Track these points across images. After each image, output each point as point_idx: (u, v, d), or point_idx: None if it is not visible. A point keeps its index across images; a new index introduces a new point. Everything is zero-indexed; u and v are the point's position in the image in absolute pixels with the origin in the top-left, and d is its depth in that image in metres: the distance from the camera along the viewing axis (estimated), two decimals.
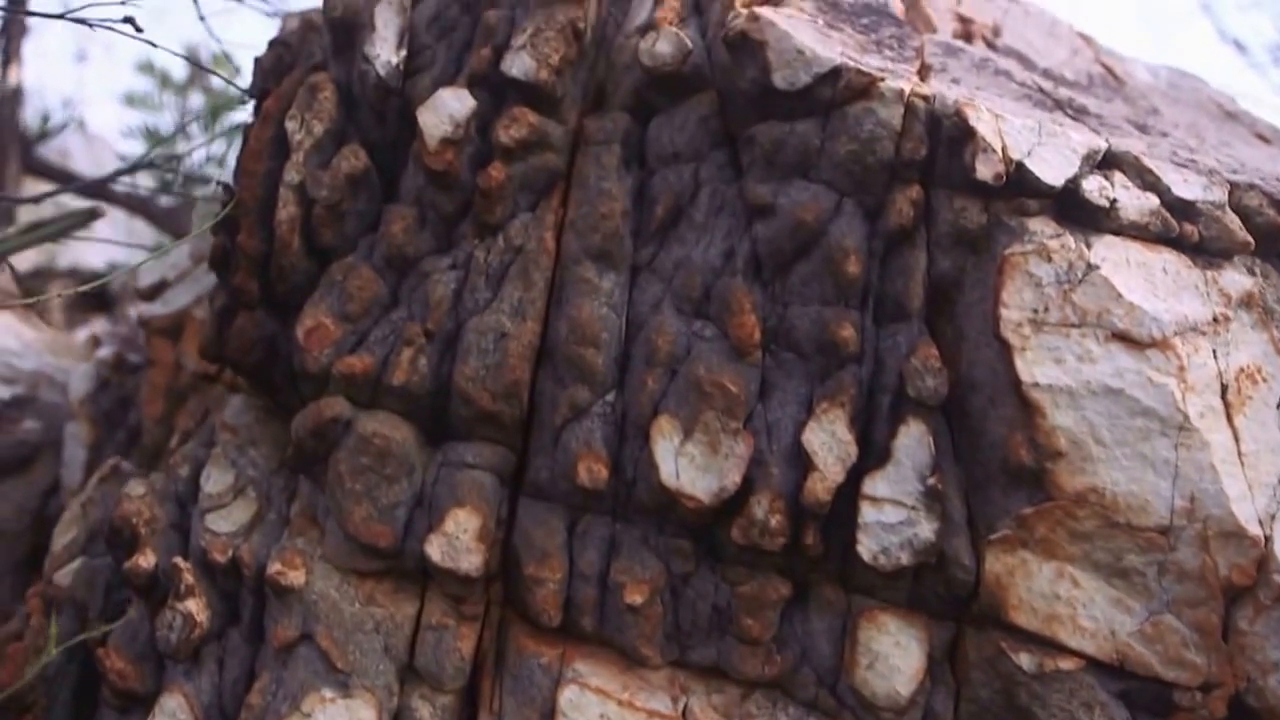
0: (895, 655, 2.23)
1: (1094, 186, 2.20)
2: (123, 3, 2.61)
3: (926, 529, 2.16)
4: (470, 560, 2.33)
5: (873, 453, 2.23)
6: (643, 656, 2.31)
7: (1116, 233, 2.19)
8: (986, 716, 2.21)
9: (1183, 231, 2.21)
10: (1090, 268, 2.11)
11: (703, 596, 2.33)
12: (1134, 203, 2.20)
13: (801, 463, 2.22)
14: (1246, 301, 2.18)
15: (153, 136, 6.69)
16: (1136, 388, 2.06)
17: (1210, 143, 2.87)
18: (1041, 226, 2.18)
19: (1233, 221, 2.24)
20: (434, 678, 2.37)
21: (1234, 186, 2.31)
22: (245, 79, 3.35)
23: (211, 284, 3.25)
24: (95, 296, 7.54)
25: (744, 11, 2.42)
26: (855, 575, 2.26)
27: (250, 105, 3.00)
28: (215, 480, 2.70)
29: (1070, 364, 2.09)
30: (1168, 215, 2.21)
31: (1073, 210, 2.22)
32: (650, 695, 2.31)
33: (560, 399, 2.40)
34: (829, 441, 2.20)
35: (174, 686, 2.44)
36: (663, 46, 2.49)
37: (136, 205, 6.51)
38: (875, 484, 2.19)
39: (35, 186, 7.58)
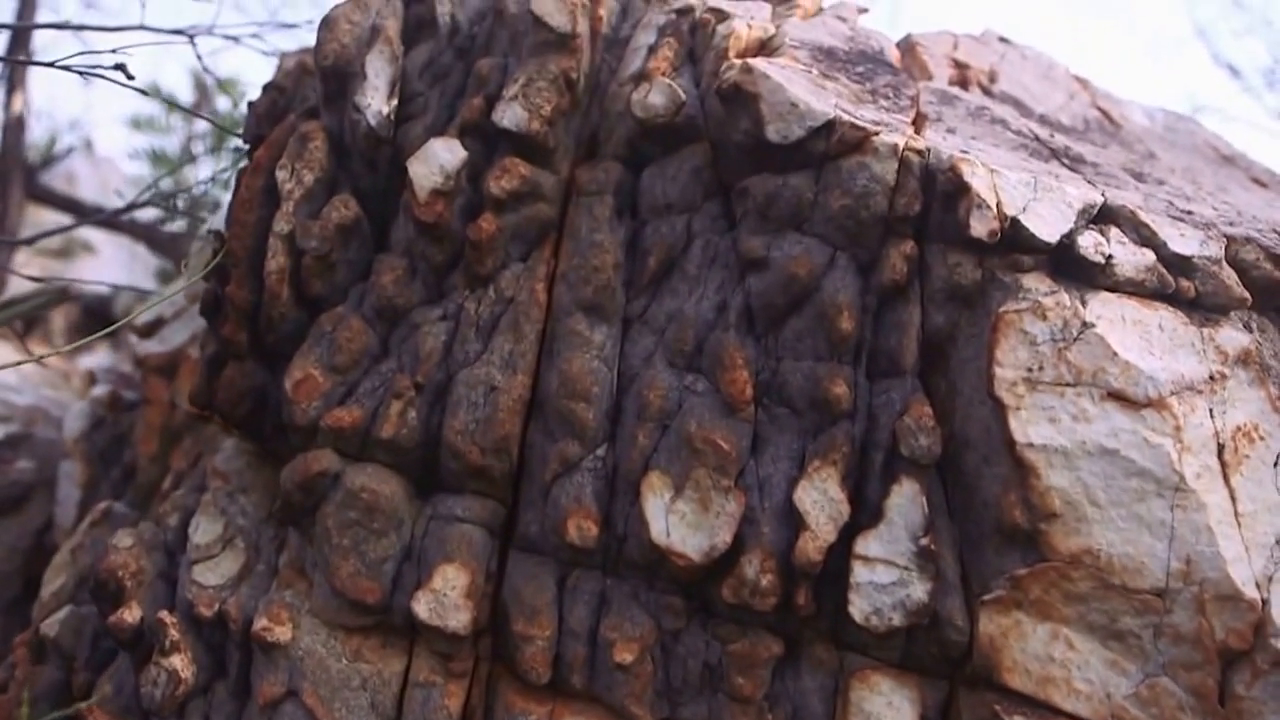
0: (887, 715, 2.19)
1: (1089, 243, 2.18)
2: (114, 51, 2.60)
3: (919, 590, 2.13)
4: (458, 618, 2.30)
5: (866, 510, 2.20)
6: (633, 715, 2.28)
7: (1112, 289, 2.17)
8: None
9: (1179, 287, 2.19)
10: (1085, 326, 2.09)
11: (694, 654, 2.30)
12: (1130, 259, 2.18)
13: (793, 520, 2.19)
14: (1243, 359, 2.15)
15: (159, 159, 6.69)
16: (1132, 448, 2.03)
17: (1207, 188, 2.85)
18: (1036, 283, 2.16)
19: (1229, 277, 2.22)
20: None
21: (1230, 240, 2.29)
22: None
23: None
24: (99, 317, 7.54)
25: (737, 63, 2.41)
26: (847, 634, 2.23)
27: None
28: (204, 530, 2.67)
29: (1065, 424, 2.06)
30: (1164, 271, 2.19)
31: (1068, 266, 2.19)
32: None
33: (551, 453, 2.38)
34: (821, 500, 2.17)
35: None
36: (655, 98, 2.48)
37: (140, 232, 6.50)
38: (868, 543, 2.16)
39: (39, 213, 7.59)
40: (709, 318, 2.38)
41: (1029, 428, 2.07)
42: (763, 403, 2.31)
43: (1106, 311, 2.12)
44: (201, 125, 6.89)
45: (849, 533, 2.19)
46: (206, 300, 2.74)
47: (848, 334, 2.24)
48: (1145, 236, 2.24)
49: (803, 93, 2.34)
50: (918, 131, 2.50)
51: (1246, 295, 2.22)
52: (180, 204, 5.87)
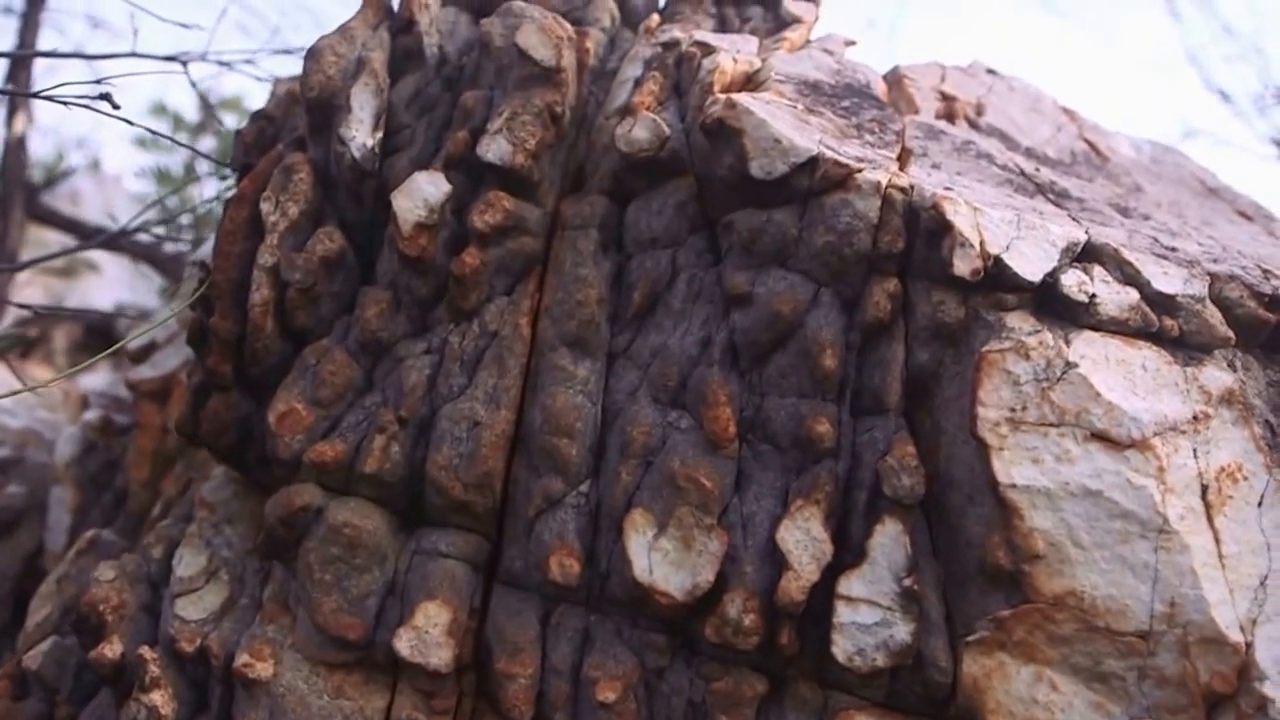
0: None
1: (1073, 281, 2.18)
2: (98, 82, 2.60)
3: (903, 630, 2.12)
4: (439, 655, 2.29)
5: (849, 550, 2.19)
6: None
7: (1096, 328, 2.16)
8: None
9: (1163, 326, 2.18)
10: (1069, 366, 2.08)
11: (677, 691, 2.28)
12: (1114, 297, 2.17)
13: (777, 559, 2.18)
14: (1227, 398, 2.14)
15: (164, 178, 6.68)
16: (1116, 489, 2.02)
17: (1193, 223, 2.85)
18: (1020, 323, 2.15)
19: (1213, 316, 2.21)
20: None
21: (1214, 278, 2.28)
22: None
23: None
24: (102, 336, 7.53)
25: (722, 98, 2.40)
26: (832, 672, 2.21)
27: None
28: (187, 563, 2.65)
29: (1048, 464, 2.05)
30: (1148, 310, 2.18)
31: (1052, 305, 2.19)
32: None
33: (534, 489, 2.37)
34: (804, 540, 2.16)
35: None
36: (639, 132, 2.48)
37: (142, 252, 6.50)
38: (851, 583, 2.15)
39: (40, 234, 7.57)
40: (693, 353, 2.37)
41: (1012, 468, 2.06)
42: (747, 439, 2.30)
43: (1090, 351, 2.11)
44: (206, 144, 6.89)
45: (833, 572, 2.17)
46: (192, 330, 2.73)
47: (831, 371, 2.24)
48: (1129, 275, 2.24)
49: (786, 128, 2.34)
50: (903, 167, 2.50)
51: (1230, 334, 2.21)
52: (185, 221, 5.86)
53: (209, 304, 2.63)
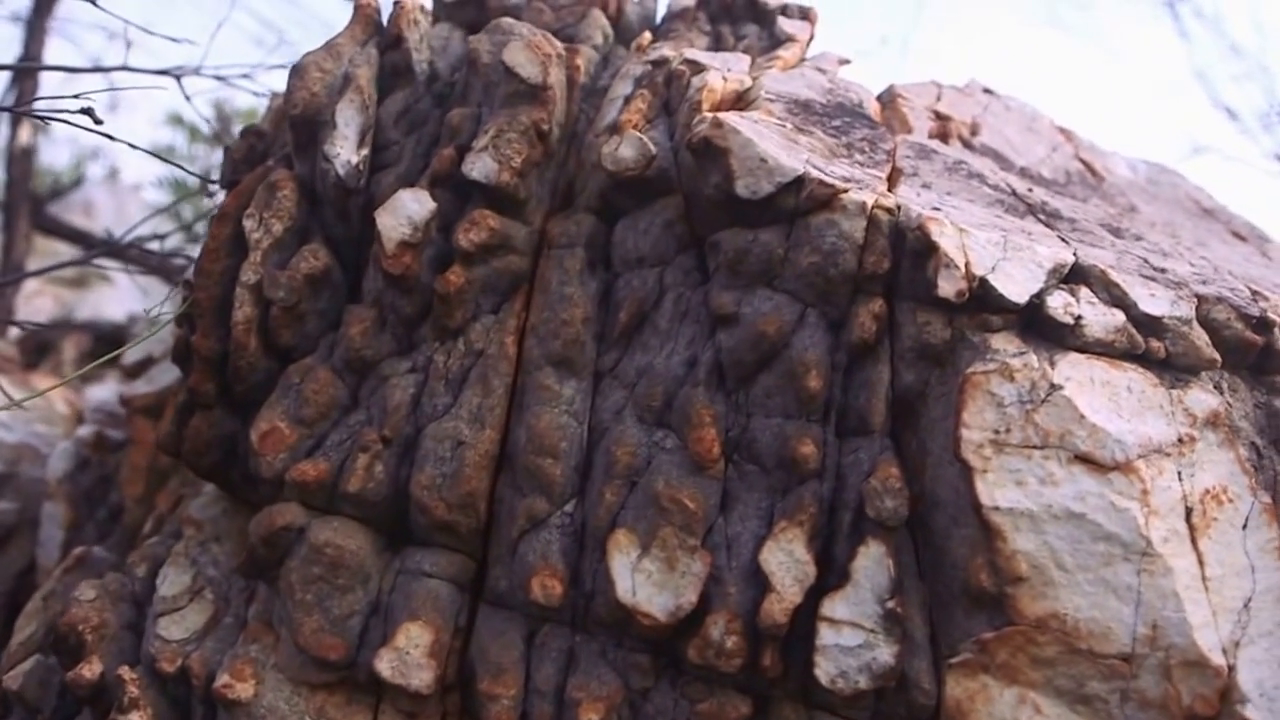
0: None
1: (1059, 303, 2.17)
2: (76, 96, 2.60)
3: (885, 653, 2.11)
4: (421, 676, 2.27)
5: (833, 571, 2.18)
6: None
7: (1081, 350, 2.15)
8: None
9: (1149, 348, 2.17)
10: (1053, 388, 2.07)
11: (662, 713, 2.27)
12: (1100, 319, 2.16)
13: (760, 581, 2.17)
14: (1212, 421, 2.13)
15: (180, 188, 6.70)
16: (1099, 512, 2.01)
17: (1186, 243, 2.84)
18: (1004, 344, 2.14)
19: (1200, 338, 2.20)
20: None
21: (1202, 299, 2.27)
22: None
23: None
24: (113, 346, 7.52)
25: (709, 117, 2.40)
26: (816, 694, 2.20)
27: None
28: (171, 581, 2.64)
29: (1032, 486, 2.04)
30: (1134, 332, 2.17)
31: (1037, 326, 2.18)
32: None
33: (519, 508, 2.36)
34: (787, 562, 2.15)
35: None
36: (625, 150, 2.47)
37: (150, 264, 6.50)
38: (834, 605, 2.14)
39: (46, 244, 7.57)
40: (679, 373, 2.36)
41: (996, 490, 2.05)
42: (733, 460, 2.30)
43: (1075, 373, 2.10)
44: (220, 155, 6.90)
45: (817, 594, 2.16)
46: (177, 348, 2.73)
47: (816, 392, 2.23)
48: (1116, 296, 2.23)
49: (773, 148, 2.33)
50: (892, 186, 2.49)
51: (1216, 356, 2.20)
52: (201, 231, 5.86)
53: (193, 321, 2.62)
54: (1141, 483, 2.03)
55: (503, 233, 2.49)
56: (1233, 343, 2.25)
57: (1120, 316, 2.19)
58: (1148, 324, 2.20)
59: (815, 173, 2.30)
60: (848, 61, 3.27)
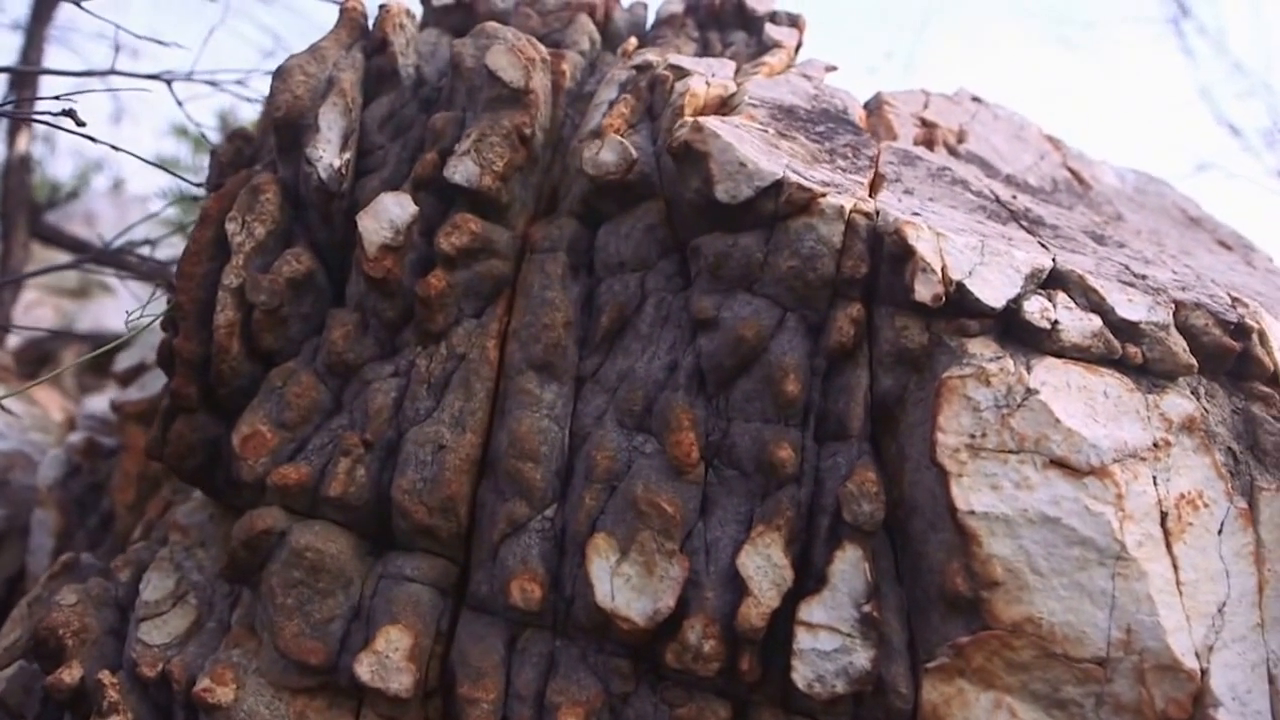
0: None
1: (1035, 308, 2.17)
2: (57, 97, 2.61)
3: (862, 657, 2.11)
4: (400, 680, 2.27)
5: (811, 575, 2.18)
6: None
7: (1058, 354, 2.15)
8: None
9: (1126, 353, 2.18)
10: (1029, 392, 2.08)
11: (642, 717, 2.27)
12: (1076, 324, 2.17)
13: (738, 585, 2.17)
14: (1188, 426, 2.14)
15: (180, 198, 6.71)
16: (1074, 516, 2.02)
17: (1170, 251, 2.85)
18: (981, 349, 2.15)
19: (1176, 343, 2.21)
20: None
21: (1180, 305, 2.27)
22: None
23: None
24: (114, 354, 7.51)
25: (689, 121, 2.40)
26: (794, 698, 2.20)
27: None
28: (154, 587, 2.64)
29: (1008, 491, 2.05)
30: (1110, 337, 2.17)
31: (1014, 331, 2.18)
32: None
33: (499, 513, 2.36)
34: (764, 566, 2.16)
35: None
36: (606, 155, 2.48)
37: (143, 270, 6.50)
38: (811, 610, 2.14)
39: (45, 254, 7.57)
40: (660, 377, 2.37)
41: (971, 495, 2.06)
42: (713, 464, 2.30)
43: (1051, 378, 2.10)
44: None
45: (795, 598, 2.17)
46: (162, 352, 2.73)
47: (794, 397, 2.23)
48: (1093, 301, 2.23)
49: (752, 152, 2.34)
50: (874, 192, 2.50)
51: (1193, 361, 2.21)
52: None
53: (176, 325, 2.63)
54: (1116, 487, 2.03)
55: (484, 237, 2.50)
56: (1210, 348, 2.25)
57: (1097, 321, 2.19)
58: (1125, 329, 2.21)
59: (794, 177, 2.30)
60: (834, 69, 3.28)
